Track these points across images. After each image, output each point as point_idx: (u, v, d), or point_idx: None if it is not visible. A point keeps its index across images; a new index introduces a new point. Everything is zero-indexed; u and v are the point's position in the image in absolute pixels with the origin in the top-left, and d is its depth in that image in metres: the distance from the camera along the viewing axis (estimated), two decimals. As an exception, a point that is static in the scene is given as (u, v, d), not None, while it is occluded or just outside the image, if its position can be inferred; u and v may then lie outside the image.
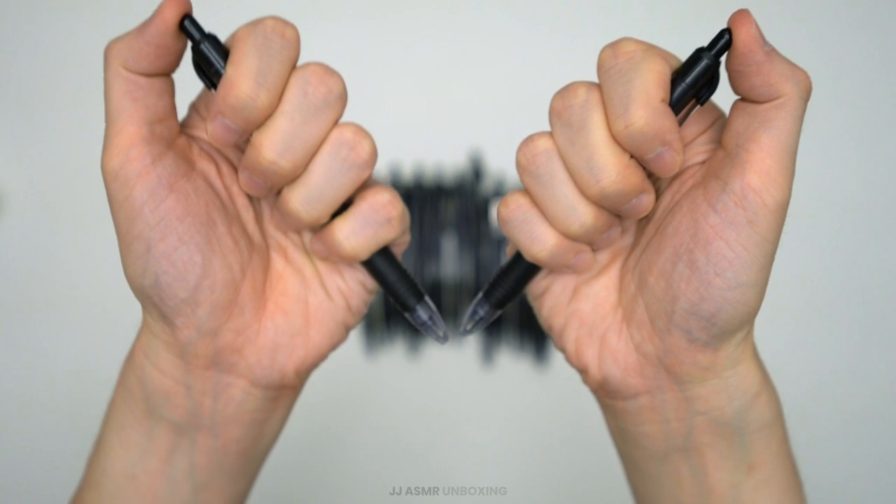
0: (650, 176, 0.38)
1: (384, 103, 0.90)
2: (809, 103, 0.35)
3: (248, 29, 0.35)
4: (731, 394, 0.38)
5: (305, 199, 0.37)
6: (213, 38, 0.36)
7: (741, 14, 0.34)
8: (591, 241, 0.38)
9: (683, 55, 0.36)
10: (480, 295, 0.42)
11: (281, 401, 0.42)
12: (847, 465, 0.82)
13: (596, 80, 0.36)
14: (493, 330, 0.84)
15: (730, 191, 0.35)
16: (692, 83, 0.35)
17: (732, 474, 0.40)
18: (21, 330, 0.86)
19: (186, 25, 0.36)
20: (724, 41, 0.35)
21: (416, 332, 0.84)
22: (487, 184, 0.86)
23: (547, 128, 0.37)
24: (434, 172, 0.87)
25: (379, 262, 0.40)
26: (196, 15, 0.36)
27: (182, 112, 0.40)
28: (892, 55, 0.92)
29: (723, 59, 0.36)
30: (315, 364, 0.41)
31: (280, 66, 0.35)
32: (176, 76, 0.38)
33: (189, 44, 0.36)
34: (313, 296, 0.41)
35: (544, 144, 0.36)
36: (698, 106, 0.37)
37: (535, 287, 0.42)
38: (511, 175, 0.86)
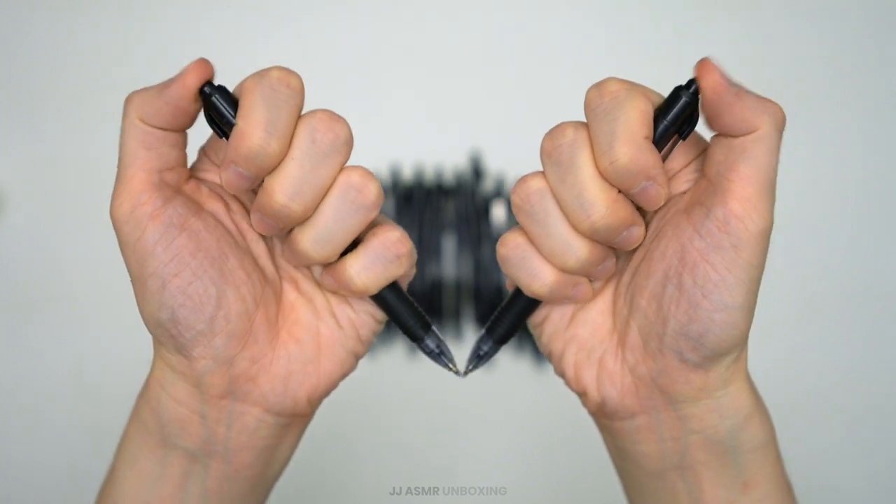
0: (639, 209, 0.39)
1: (385, 103, 0.90)
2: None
3: (255, 80, 0.37)
4: (724, 413, 0.39)
5: (315, 239, 0.39)
6: (223, 90, 0.37)
7: (703, 64, 0.36)
8: (587, 274, 0.40)
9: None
10: (483, 332, 0.43)
11: (292, 428, 0.43)
12: (847, 465, 0.82)
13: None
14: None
15: (713, 217, 0.36)
16: (673, 120, 0.37)
17: (728, 492, 0.41)
18: (21, 330, 0.86)
19: (205, 90, 0.37)
20: (694, 87, 0.36)
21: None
22: (487, 184, 0.87)
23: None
24: (434, 172, 0.88)
25: (388, 296, 0.41)
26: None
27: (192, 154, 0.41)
28: (893, 55, 0.92)
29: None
30: (326, 392, 0.43)
31: (288, 115, 0.37)
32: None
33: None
34: (324, 325, 0.42)
35: (537, 184, 0.38)
36: (681, 140, 0.38)
37: (535, 316, 0.43)
38: (511, 175, 0.87)
